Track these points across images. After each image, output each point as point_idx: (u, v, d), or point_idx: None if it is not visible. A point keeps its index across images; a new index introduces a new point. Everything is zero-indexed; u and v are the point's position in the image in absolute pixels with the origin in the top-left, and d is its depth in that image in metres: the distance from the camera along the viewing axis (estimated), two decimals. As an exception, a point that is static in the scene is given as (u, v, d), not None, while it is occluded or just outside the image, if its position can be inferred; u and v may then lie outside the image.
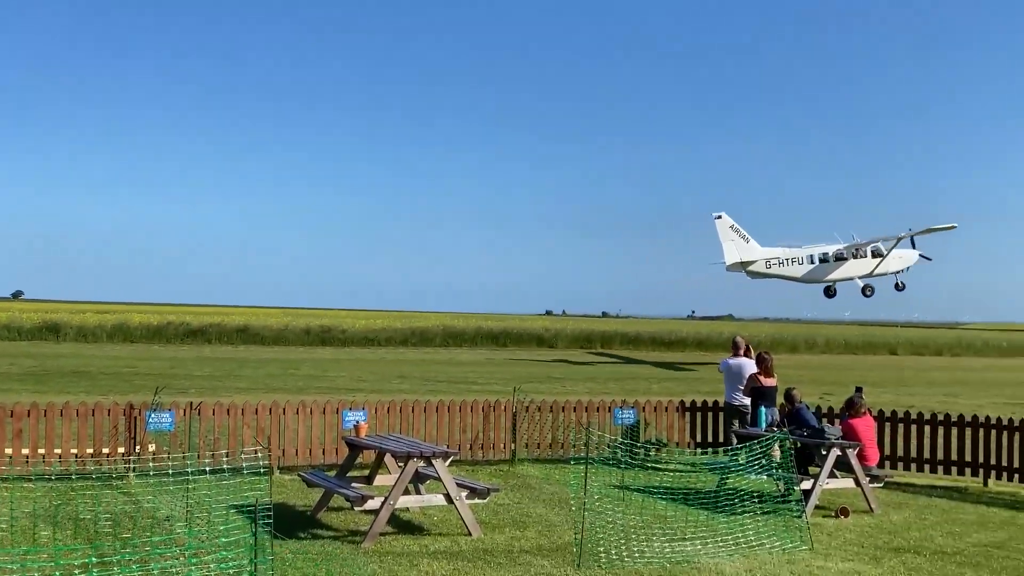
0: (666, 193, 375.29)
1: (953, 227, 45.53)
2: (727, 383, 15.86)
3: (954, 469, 15.37)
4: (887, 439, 15.65)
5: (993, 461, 14.96)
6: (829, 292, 45.87)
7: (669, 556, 9.60)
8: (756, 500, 12.32)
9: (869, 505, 12.46)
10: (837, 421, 14.34)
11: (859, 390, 13.71)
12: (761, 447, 12.03)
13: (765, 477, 12.71)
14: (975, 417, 15.55)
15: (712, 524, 11.07)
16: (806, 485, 12.27)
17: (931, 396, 33.67)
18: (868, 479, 12.68)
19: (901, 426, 15.75)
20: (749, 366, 15.46)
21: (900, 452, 15.69)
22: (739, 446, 12.66)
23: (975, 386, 40.81)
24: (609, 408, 16.13)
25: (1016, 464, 14.71)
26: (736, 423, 15.55)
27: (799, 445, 12.99)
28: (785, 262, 42.53)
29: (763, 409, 14.61)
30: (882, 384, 38.72)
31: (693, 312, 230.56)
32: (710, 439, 16.70)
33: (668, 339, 71.11)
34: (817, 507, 12.32)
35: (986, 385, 41.79)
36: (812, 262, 43.36)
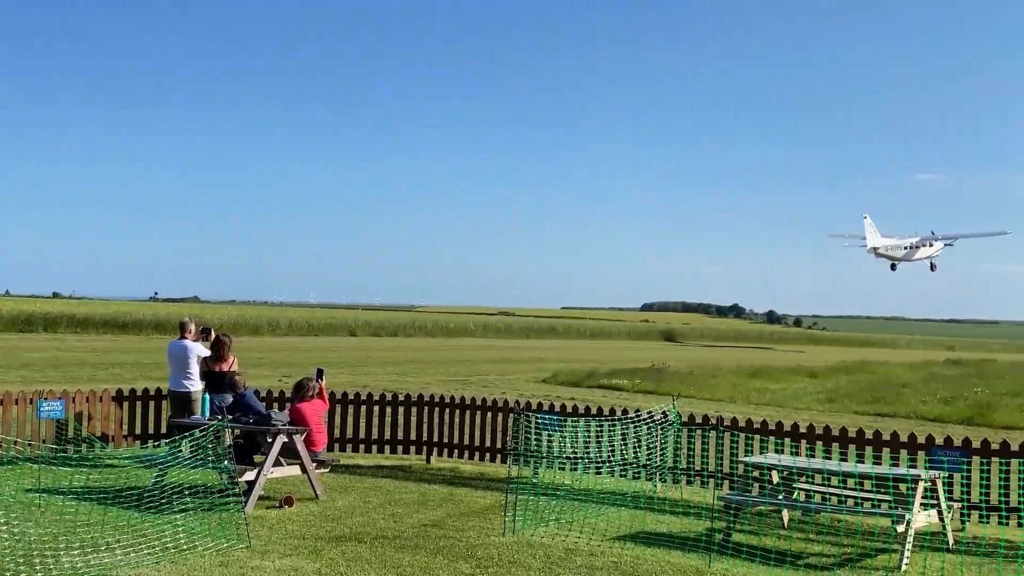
0: (128, 164, 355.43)
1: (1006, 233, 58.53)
2: (173, 368, 14.55)
3: (400, 448, 15.64)
4: (337, 421, 15.48)
5: (435, 438, 15.45)
6: (894, 267, 54.30)
7: (82, 571, 8.22)
8: (195, 496, 11.26)
9: (315, 492, 12.04)
10: (288, 405, 13.78)
11: (320, 372, 13.29)
12: (204, 437, 11.03)
13: (208, 470, 11.72)
14: (420, 396, 15.95)
15: (141, 528, 9.82)
16: (250, 476, 11.51)
17: (385, 376, 35.01)
18: (315, 464, 12.26)
19: (351, 407, 15.68)
20: (197, 349, 14.32)
21: (349, 434, 15.61)
22: (179, 437, 11.51)
23: (424, 365, 43.43)
24: (31, 400, 13.98)
25: (456, 440, 15.34)
26: (183, 413, 14.31)
27: (243, 434, 12.22)
28: (891, 247, 52.06)
29: (207, 396, 13.60)
30: (340, 365, 39.56)
31: (156, 294, 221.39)
32: (151, 431, 15.27)
33: (123, 321, 66.86)
34: (263, 498, 11.61)
35: (434, 364, 44.69)
36: (906, 248, 52.70)
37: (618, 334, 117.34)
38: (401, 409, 15.81)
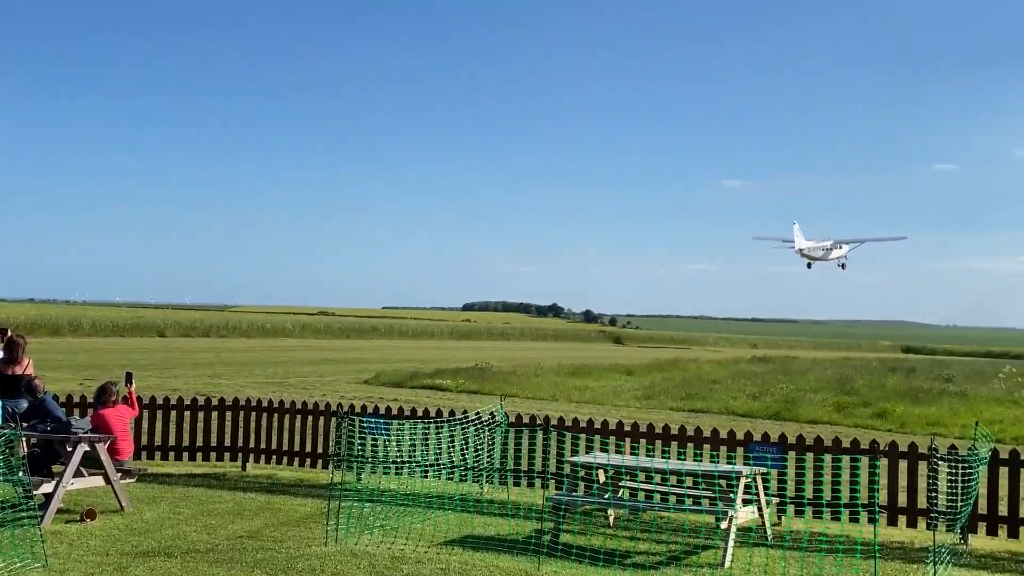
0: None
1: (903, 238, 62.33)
2: (-41, 373, 13.24)
3: (213, 455, 14.85)
4: (145, 427, 14.55)
5: (251, 444, 14.74)
6: (810, 266, 57.17)
7: None
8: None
9: (120, 503, 11.19)
10: (91, 411, 12.80)
11: (129, 377, 12.39)
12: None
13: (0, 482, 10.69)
14: (235, 399, 15.20)
15: (-84, 551, 8.81)
16: (47, 488, 10.57)
17: (196, 379, 33.51)
18: (120, 474, 11.41)
19: (160, 412, 14.78)
20: (-14, 352, 13.09)
21: (158, 441, 14.70)
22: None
23: (238, 366, 41.90)
24: None
25: (273, 446, 14.67)
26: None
27: (40, 443, 11.24)
28: (812, 249, 54.88)
29: (1, 401, 12.47)
30: (148, 368, 37.64)
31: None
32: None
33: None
34: (62, 511, 10.69)
35: (249, 365, 43.20)
36: (824, 249, 55.53)
37: (440, 334, 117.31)
38: (215, 414, 15.02)
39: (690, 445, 12.70)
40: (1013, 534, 11.01)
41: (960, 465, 9.95)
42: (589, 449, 12.67)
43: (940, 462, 10.06)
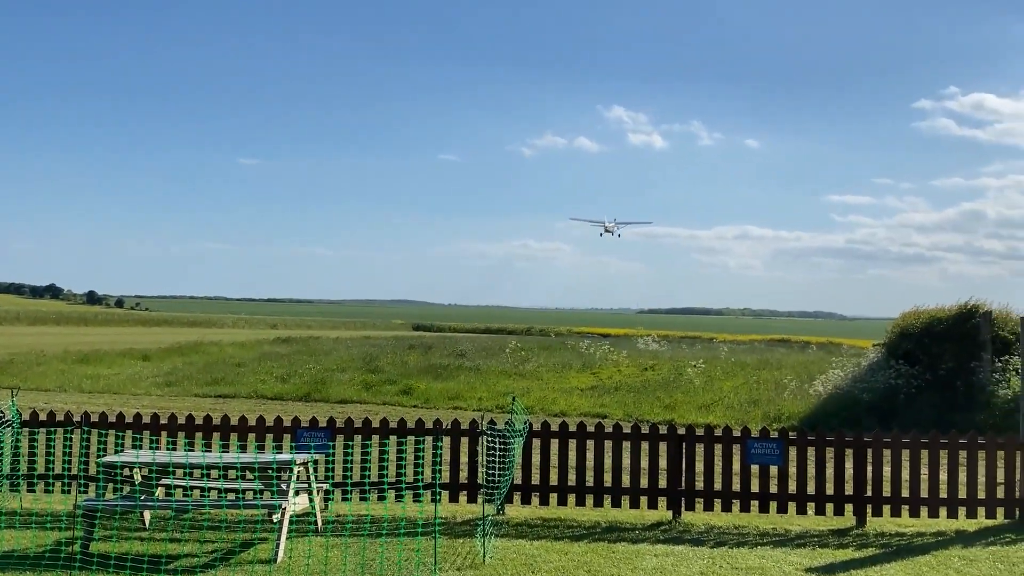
0: None
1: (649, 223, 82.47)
2: None
3: None
4: None
5: None
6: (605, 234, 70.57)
7: None
8: None
9: None
10: None
11: None
12: None
13: None
14: None
15: None
16: None
17: None
18: None
19: None
20: None
21: None
22: None
23: None
24: None
25: None
26: None
27: None
28: (610, 226, 68.47)
29: None
30: None
31: None
32: None
33: None
34: None
35: None
36: (616, 224, 69.34)
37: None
38: None
39: (234, 435, 12.08)
40: (544, 502, 11.83)
41: (499, 439, 10.48)
42: (120, 443, 11.56)
43: (487, 437, 10.52)
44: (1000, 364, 20.32)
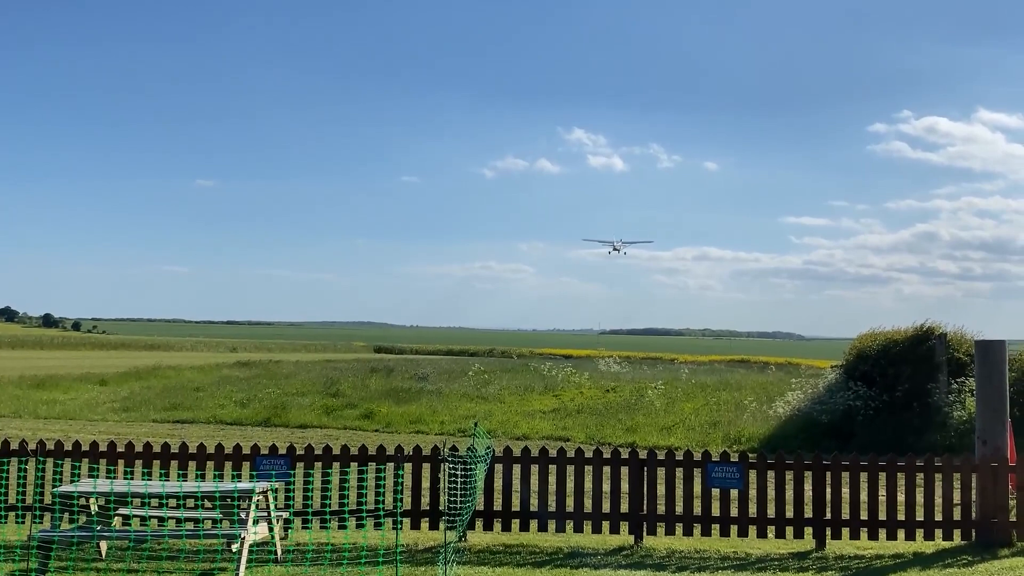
0: None
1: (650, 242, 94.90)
2: None
3: None
4: None
5: None
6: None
7: None
8: None
9: None
10: None
11: None
12: None
13: None
14: None
15: None
16: None
17: None
18: None
19: None
20: None
21: None
22: None
23: None
24: None
25: None
26: None
27: None
28: (619, 246, 76.76)
29: None
30: None
31: None
32: None
33: None
34: None
35: None
36: (622, 243, 77.34)
37: None
38: None
39: (192, 463, 11.93)
40: (506, 527, 11.80)
41: (462, 465, 10.44)
42: (76, 472, 11.38)
43: (448, 464, 10.48)
44: (956, 386, 20.60)
